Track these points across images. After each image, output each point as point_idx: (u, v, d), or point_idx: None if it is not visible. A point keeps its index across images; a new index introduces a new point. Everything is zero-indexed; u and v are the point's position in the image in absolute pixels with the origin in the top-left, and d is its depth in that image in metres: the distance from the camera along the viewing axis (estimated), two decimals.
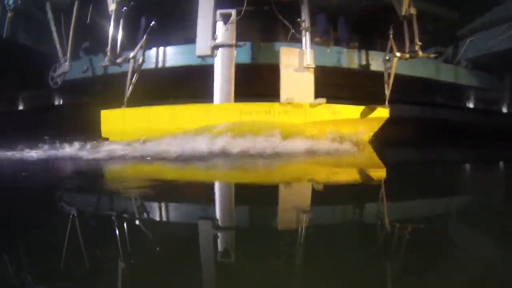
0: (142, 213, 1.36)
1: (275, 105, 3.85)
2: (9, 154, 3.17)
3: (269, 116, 3.80)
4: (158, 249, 0.94)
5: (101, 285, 0.74)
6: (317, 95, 4.04)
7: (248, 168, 2.72)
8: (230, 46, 4.13)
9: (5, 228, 1.15)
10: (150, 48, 4.84)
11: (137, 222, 1.24)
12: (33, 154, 3.16)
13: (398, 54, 4.32)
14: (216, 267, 0.87)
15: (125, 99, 4.18)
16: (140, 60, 4.32)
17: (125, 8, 4.55)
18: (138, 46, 4.30)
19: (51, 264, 0.83)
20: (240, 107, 3.83)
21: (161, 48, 5.03)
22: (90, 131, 4.26)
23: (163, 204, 1.50)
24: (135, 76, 4.28)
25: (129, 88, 4.24)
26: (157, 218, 1.31)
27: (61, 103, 6.73)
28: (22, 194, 1.70)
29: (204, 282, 0.78)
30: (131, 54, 4.26)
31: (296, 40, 4.51)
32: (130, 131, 4.00)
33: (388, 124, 4.07)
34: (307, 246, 0.98)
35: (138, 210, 1.41)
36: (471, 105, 6.63)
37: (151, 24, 4.32)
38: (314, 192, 1.82)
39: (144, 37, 4.31)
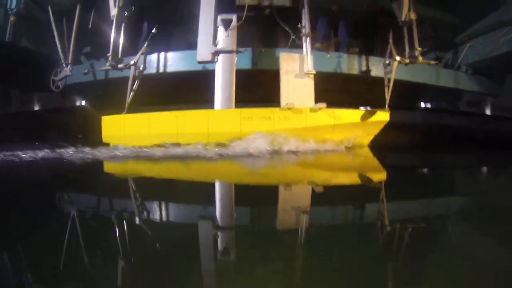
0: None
1: (275, 110, 3.87)
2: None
3: (270, 122, 3.82)
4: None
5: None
6: (317, 100, 4.05)
7: None
8: (231, 52, 4.15)
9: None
10: (151, 53, 4.87)
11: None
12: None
13: (398, 58, 4.33)
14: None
15: (126, 105, 4.20)
16: (141, 67, 4.34)
17: (126, 13, 4.58)
18: (139, 53, 4.32)
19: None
20: (241, 113, 3.85)
21: (162, 54, 5.05)
22: (91, 134, 4.31)
23: None
24: (136, 83, 4.31)
25: (129, 94, 4.26)
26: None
27: (62, 106, 6.75)
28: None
29: None
30: (132, 61, 4.28)
31: (296, 46, 4.53)
32: (131, 137, 4.03)
33: (388, 129, 4.09)
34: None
35: None
36: (472, 110, 6.62)
37: (152, 31, 4.34)
38: (314, 192, 1.87)
39: (145, 44, 4.33)
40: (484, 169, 3.26)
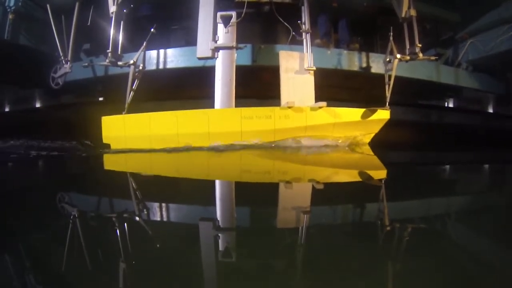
0: None
1: (275, 109, 3.86)
2: None
3: (270, 121, 3.81)
4: None
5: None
6: (317, 97, 4.05)
7: None
8: (230, 48, 4.14)
9: None
10: (151, 49, 4.86)
11: None
12: None
13: (398, 55, 4.32)
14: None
15: (126, 105, 4.19)
16: (141, 66, 4.33)
17: (125, 10, 4.57)
18: (138, 52, 4.31)
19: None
20: (241, 112, 3.84)
21: (162, 50, 5.03)
22: (91, 132, 4.32)
23: None
24: (136, 82, 4.30)
25: (129, 94, 4.25)
26: None
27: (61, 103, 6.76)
28: None
29: None
30: (131, 61, 4.27)
31: (296, 42, 4.52)
32: (131, 137, 4.02)
33: (388, 126, 4.08)
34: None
35: None
36: (473, 107, 6.62)
37: (151, 30, 4.32)
38: (314, 190, 1.86)
39: (144, 43, 4.31)
40: (486, 166, 3.25)
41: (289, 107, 3.85)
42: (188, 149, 3.78)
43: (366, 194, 1.72)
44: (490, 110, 6.52)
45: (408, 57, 4.38)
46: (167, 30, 5.46)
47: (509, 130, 5.46)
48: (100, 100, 6.24)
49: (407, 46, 4.41)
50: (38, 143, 4.47)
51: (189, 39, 4.93)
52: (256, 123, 3.80)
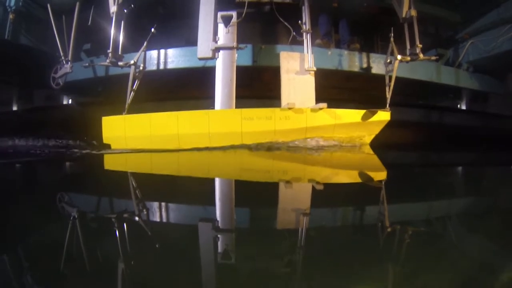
0: None
1: (276, 110, 3.86)
2: None
3: (271, 122, 3.81)
4: None
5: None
6: (318, 98, 4.05)
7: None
8: (231, 48, 4.14)
9: None
10: (151, 49, 4.85)
11: None
12: None
13: (399, 56, 4.31)
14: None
15: (126, 106, 4.19)
16: (141, 67, 4.33)
17: (126, 10, 4.56)
18: (139, 52, 4.30)
19: None
20: (241, 113, 3.84)
21: (162, 50, 5.03)
22: (92, 132, 4.33)
23: None
24: (136, 82, 4.30)
25: (130, 95, 4.24)
26: None
27: (61, 104, 6.76)
28: None
29: None
30: (132, 61, 4.26)
31: (297, 42, 4.51)
32: (132, 138, 4.02)
33: (389, 127, 4.08)
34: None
35: None
36: (473, 108, 6.61)
37: (151, 30, 4.32)
38: (314, 190, 1.86)
39: (145, 44, 4.31)
40: (487, 167, 3.25)
41: (290, 108, 3.85)
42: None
43: (366, 195, 1.72)
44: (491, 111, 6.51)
45: (408, 58, 4.37)
46: (168, 30, 5.45)
47: (508, 130, 5.45)
48: (101, 100, 6.24)
49: (408, 47, 4.41)
50: (49, 141, 4.52)
51: (190, 39, 4.92)
52: (256, 124, 3.80)
